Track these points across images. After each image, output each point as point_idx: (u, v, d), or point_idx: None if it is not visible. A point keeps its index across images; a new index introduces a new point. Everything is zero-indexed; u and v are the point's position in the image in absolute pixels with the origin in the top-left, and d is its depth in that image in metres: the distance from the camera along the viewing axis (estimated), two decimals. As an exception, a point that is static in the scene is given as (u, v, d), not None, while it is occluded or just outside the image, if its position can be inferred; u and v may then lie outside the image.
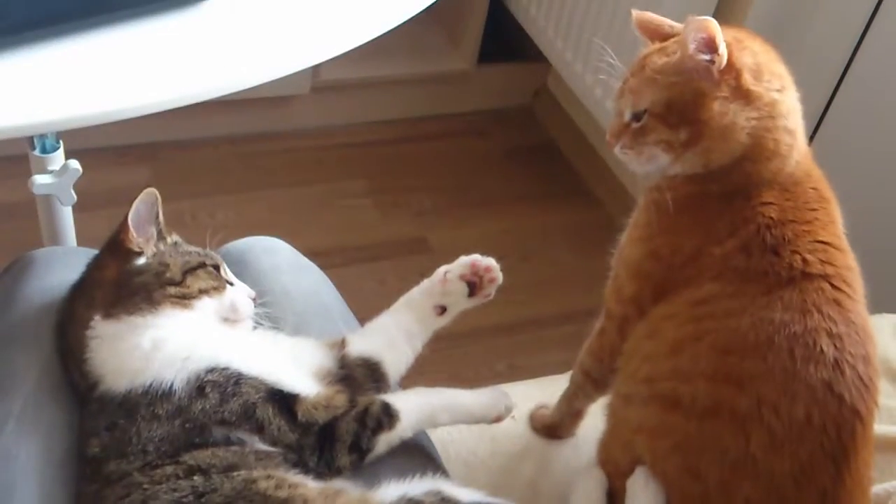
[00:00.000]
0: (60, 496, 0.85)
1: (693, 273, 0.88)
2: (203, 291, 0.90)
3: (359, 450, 0.87)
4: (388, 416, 0.89)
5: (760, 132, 0.86)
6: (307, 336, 0.98)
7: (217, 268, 0.95)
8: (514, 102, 2.57)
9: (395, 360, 0.97)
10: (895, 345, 1.27)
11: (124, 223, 0.91)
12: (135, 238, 0.91)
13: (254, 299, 0.96)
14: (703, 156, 0.86)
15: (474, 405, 0.96)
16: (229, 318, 0.92)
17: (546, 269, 2.14)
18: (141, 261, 0.90)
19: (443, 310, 0.98)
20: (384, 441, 0.88)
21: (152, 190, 0.92)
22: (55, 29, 0.93)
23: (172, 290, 0.88)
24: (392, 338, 0.97)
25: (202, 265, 0.92)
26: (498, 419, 0.98)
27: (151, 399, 0.82)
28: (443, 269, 0.98)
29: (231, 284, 0.95)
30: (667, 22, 0.94)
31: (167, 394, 0.83)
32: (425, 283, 0.99)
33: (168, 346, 0.85)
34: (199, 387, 0.83)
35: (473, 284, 0.98)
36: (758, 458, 0.81)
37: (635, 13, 0.94)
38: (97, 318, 0.88)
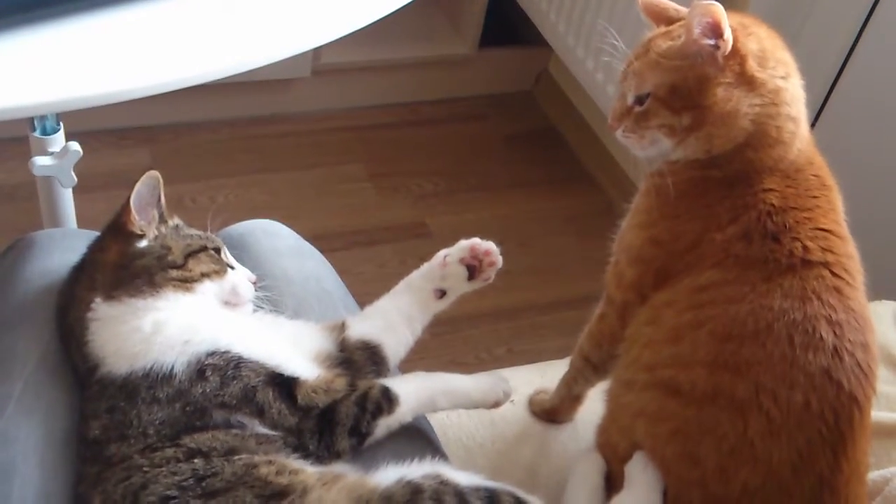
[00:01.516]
0: (61, 477, 0.85)
1: (694, 259, 0.88)
2: (205, 275, 0.90)
3: (358, 433, 0.87)
4: (387, 401, 0.89)
5: (763, 119, 0.85)
6: (307, 319, 0.98)
7: (218, 251, 0.95)
8: (515, 87, 2.56)
9: (395, 344, 0.97)
10: (894, 332, 1.27)
11: (126, 205, 0.90)
12: (136, 220, 0.90)
13: (254, 283, 0.96)
14: (705, 141, 0.86)
15: (473, 390, 0.97)
16: (230, 302, 0.92)
17: (546, 254, 2.14)
18: (143, 243, 0.90)
19: (442, 293, 0.98)
20: (384, 425, 0.89)
21: (154, 173, 0.92)
22: (56, 9, 0.92)
23: (174, 273, 0.88)
24: (392, 321, 0.97)
25: (204, 248, 0.92)
26: (496, 404, 0.98)
27: (152, 382, 0.83)
28: (442, 252, 0.98)
29: (232, 268, 0.95)
30: (672, 6, 0.93)
31: (167, 377, 0.83)
32: (425, 266, 0.99)
33: (169, 328, 0.85)
34: (200, 370, 0.83)
35: (473, 268, 0.98)
36: (756, 445, 0.82)
37: None
38: (98, 300, 0.88)
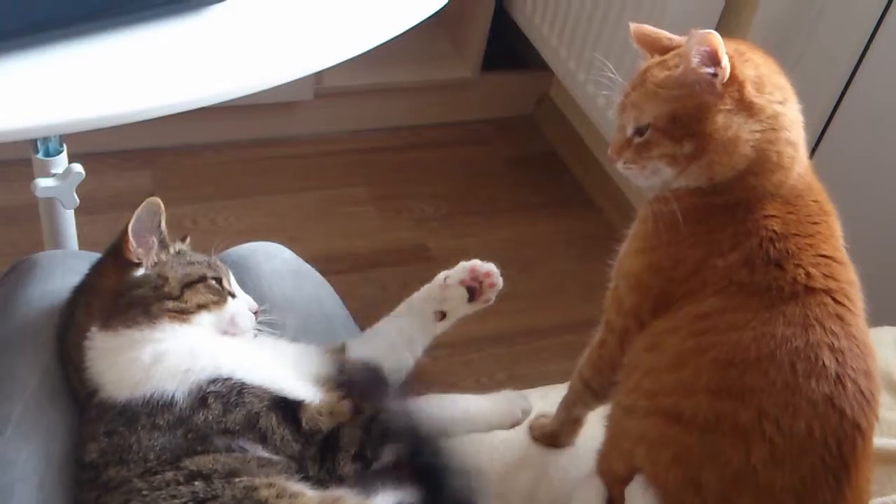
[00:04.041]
0: (59, 500, 0.84)
1: (695, 286, 0.88)
2: (201, 306, 0.89)
3: (363, 459, 0.85)
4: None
5: (764, 144, 0.86)
6: (308, 341, 0.97)
7: (220, 280, 0.93)
8: (516, 111, 2.57)
9: (395, 366, 0.96)
10: (896, 358, 1.26)
11: (125, 232, 0.90)
12: (134, 249, 0.89)
13: (256, 313, 0.95)
14: (707, 169, 0.86)
15: (490, 413, 0.94)
16: (228, 332, 0.91)
17: (547, 277, 2.14)
18: (140, 272, 0.89)
19: (443, 315, 0.98)
20: (391, 451, 0.86)
21: (155, 199, 0.91)
22: (59, 32, 0.93)
23: (170, 304, 0.87)
24: (392, 343, 0.97)
25: (202, 279, 0.91)
26: (514, 424, 0.96)
27: (152, 409, 0.82)
28: (443, 274, 0.98)
29: (233, 296, 0.94)
30: (664, 34, 0.94)
31: (168, 404, 0.82)
32: (425, 288, 0.99)
33: (168, 359, 0.84)
34: (202, 398, 0.83)
35: (473, 290, 0.97)
36: (759, 472, 0.81)
37: (633, 26, 0.94)
38: (94, 329, 0.87)
